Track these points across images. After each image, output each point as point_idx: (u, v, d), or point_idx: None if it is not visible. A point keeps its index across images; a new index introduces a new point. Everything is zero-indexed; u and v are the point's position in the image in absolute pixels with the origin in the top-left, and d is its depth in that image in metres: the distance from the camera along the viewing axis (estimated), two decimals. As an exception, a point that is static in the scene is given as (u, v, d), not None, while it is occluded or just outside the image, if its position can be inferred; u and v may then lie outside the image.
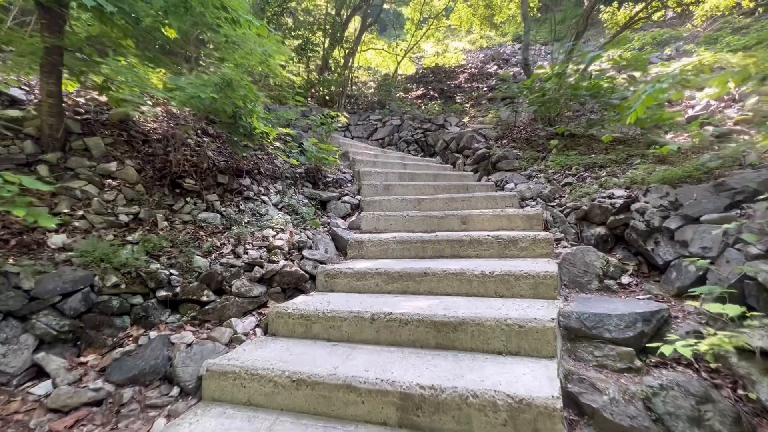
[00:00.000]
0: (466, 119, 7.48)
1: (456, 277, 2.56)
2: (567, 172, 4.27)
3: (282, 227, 3.34)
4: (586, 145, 5.05)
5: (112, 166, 3.05)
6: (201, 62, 4.49)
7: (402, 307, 2.31)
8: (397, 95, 10.96)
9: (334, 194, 4.19)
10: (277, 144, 3.99)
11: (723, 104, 6.19)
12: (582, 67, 5.29)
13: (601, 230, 3.21)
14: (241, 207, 3.44)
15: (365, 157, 5.30)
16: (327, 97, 9.78)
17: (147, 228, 2.93)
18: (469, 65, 15.03)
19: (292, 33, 10.34)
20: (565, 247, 3.20)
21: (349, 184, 4.68)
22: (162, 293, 2.53)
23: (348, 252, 3.31)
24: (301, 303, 2.55)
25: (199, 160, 3.62)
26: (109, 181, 2.99)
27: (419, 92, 12.16)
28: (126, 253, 2.55)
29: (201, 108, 2.74)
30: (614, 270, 2.89)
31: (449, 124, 7.42)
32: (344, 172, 5.02)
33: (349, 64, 10.38)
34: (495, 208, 4.01)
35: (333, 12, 11.77)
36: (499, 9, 15.72)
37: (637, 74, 5.43)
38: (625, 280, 2.83)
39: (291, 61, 10.48)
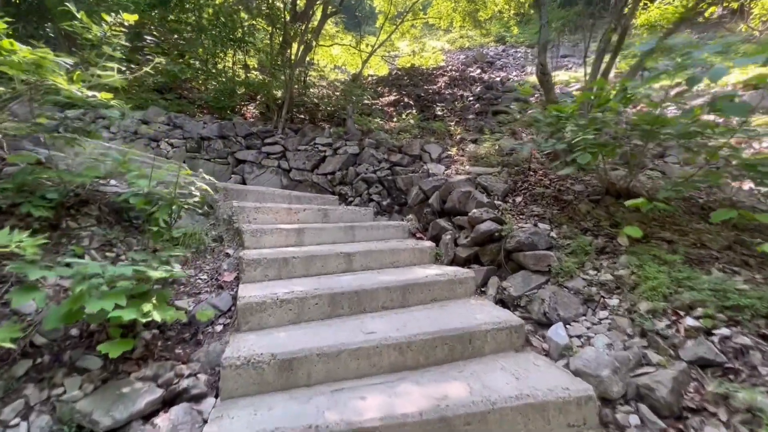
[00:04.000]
0: (453, 150, 5.09)
1: None
2: (689, 321, 1.95)
3: None
4: (673, 227, 2.78)
5: None
6: None
7: None
8: (363, 102, 8.40)
9: (143, 402, 1.66)
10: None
11: None
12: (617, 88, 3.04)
13: None
14: None
15: (272, 249, 2.78)
16: (279, 103, 7.04)
17: None
18: (450, 67, 12.81)
19: (229, 20, 7.55)
20: None
21: (221, 331, 2.16)
22: None
23: None
24: None
25: None
26: None
27: (392, 97, 9.74)
28: None
29: None
30: None
31: (429, 157, 5.03)
32: (223, 288, 2.48)
33: (305, 60, 7.73)
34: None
35: (285, -5, 9.07)
36: (484, 4, 13.54)
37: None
38: None
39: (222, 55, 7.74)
